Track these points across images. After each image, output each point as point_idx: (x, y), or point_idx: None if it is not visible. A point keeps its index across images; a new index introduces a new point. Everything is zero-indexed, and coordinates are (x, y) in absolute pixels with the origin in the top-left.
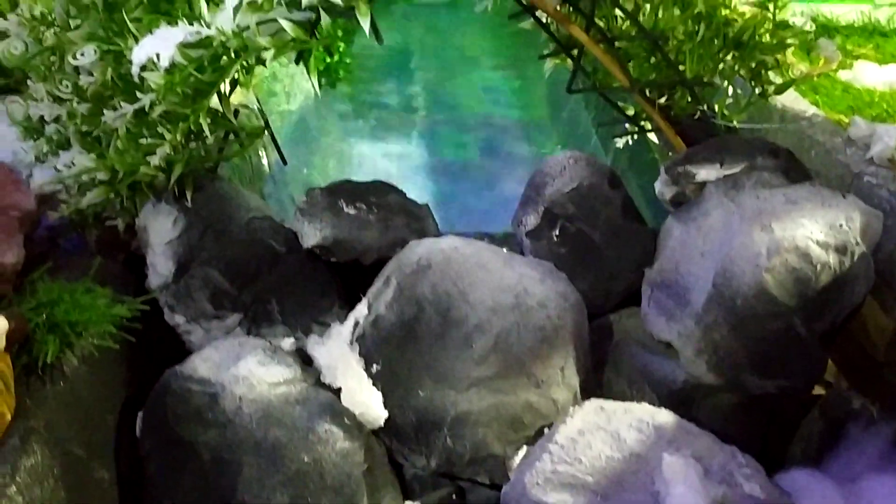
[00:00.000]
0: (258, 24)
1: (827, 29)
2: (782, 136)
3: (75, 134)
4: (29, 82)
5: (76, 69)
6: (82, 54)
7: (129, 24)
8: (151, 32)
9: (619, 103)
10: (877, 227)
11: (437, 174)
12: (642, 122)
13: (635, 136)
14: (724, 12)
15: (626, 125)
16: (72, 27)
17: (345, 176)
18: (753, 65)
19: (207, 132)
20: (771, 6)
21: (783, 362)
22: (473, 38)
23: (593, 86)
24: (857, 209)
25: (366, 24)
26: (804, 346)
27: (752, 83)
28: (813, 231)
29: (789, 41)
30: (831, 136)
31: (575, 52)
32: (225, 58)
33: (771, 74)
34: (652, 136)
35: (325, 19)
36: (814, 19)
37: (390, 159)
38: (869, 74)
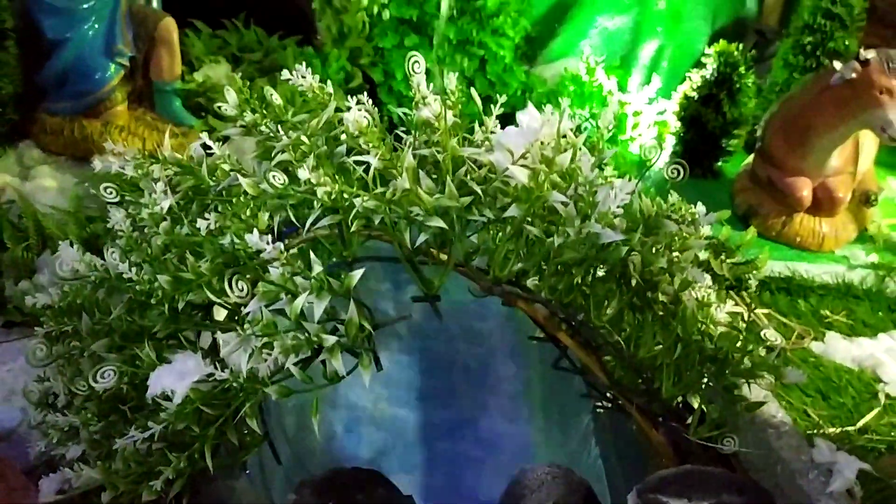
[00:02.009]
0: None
1: (802, 289)
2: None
3: (86, 438)
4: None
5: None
6: (103, 376)
7: (149, 349)
8: (169, 360)
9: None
10: None
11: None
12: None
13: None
14: (701, 327)
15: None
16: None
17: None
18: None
19: (209, 463)
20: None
21: None
22: None
23: (577, 370)
24: None
25: (366, 378)
26: None
27: (725, 398)
28: None
29: (759, 370)
30: (797, 453)
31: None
32: (233, 393)
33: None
34: None
35: (330, 367)
36: (790, 278)
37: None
38: (840, 349)
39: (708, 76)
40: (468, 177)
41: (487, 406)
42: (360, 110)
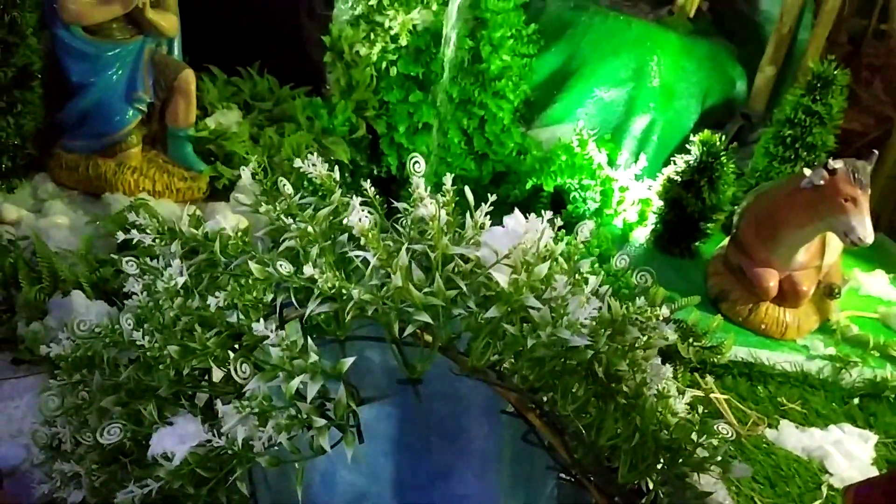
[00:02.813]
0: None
1: (763, 375)
2: None
3: (87, 485)
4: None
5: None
6: (110, 432)
7: (152, 407)
8: (169, 419)
9: None
10: None
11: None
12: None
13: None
14: (660, 417)
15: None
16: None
17: None
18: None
19: None
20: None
21: None
22: None
23: (543, 446)
24: None
25: (349, 454)
26: None
27: (677, 485)
28: None
29: (709, 462)
30: None
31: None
32: (227, 458)
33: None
34: None
35: (317, 442)
36: (752, 364)
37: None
38: (792, 438)
39: (691, 162)
40: (455, 270)
41: (459, 462)
42: (363, 210)
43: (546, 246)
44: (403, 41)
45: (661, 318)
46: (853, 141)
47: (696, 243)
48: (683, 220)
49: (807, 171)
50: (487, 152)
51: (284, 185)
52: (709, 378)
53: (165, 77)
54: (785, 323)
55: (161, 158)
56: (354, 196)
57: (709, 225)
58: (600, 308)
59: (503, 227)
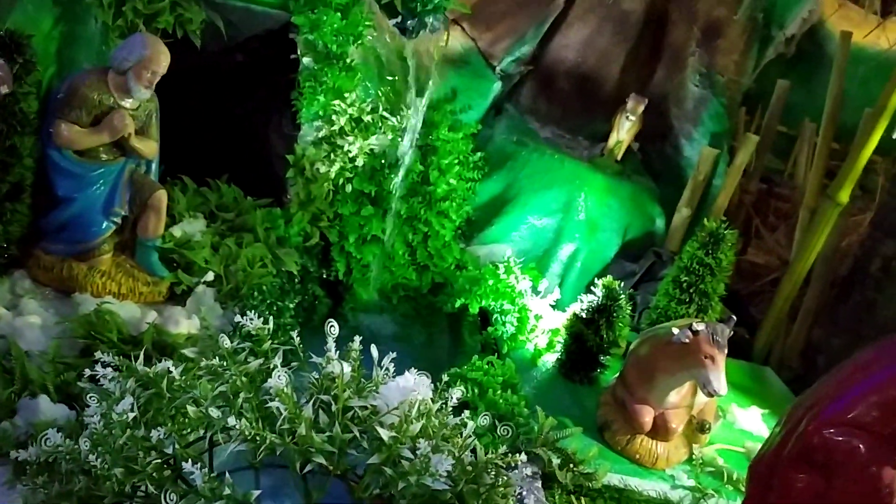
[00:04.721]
0: None
1: (631, 501)
2: None
3: None
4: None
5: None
6: None
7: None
8: None
9: None
10: None
11: None
12: None
13: None
14: None
15: None
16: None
17: None
18: None
19: None
20: None
21: None
22: None
23: None
24: None
25: None
26: None
27: None
28: None
29: None
30: None
31: None
32: None
33: None
34: None
35: None
36: (622, 490)
37: None
38: None
39: (594, 303)
40: (353, 417)
41: None
42: (280, 378)
43: (424, 404)
44: (360, 161)
45: (518, 462)
46: (762, 274)
47: (595, 373)
48: (584, 353)
49: (675, 330)
50: (428, 264)
51: (224, 339)
52: (583, 500)
53: (141, 195)
54: (656, 454)
55: (128, 263)
56: (279, 354)
57: (605, 358)
58: (461, 457)
59: (399, 381)
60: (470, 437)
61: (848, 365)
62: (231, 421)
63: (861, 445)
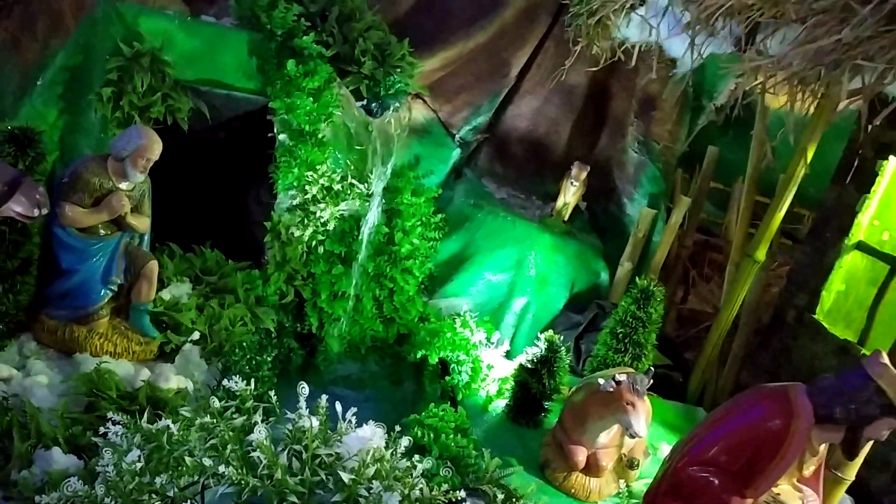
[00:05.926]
0: None
1: None
2: None
3: None
4: None
5: None
6: None
7: None
8: None
9: None
10: None
11: None
12: None
13: None
14: None
15: None
16: None
17: None
18: None
19: None
20: None
21: None
22: None
23: None
24: None
25: None
26: None
27: None
28: None
29: None
30: None
31: None
32: None
33: None
34: None
35: None
36: None
37: None
38: None
39: (538, 355)
40: (320, 463)
41: None
42: (260, 432)
43: (378, 451)
44: (331, 225)
45: (458, 498)
46: (701, 321)
47: (539, 417)
48: (529, 399)
49: (601, 381)
50: (394, 317)
51: (214, 401)
52: None
53: (135, 265)
54: (589, 489)
55: (123, 325)
56: (259, 411)
57: (549, 403)
58: (410, 493)
59: (359, 431)
60: (418, 477)
61: (715, 412)
62: (221, 468)
63: (715, 480)
